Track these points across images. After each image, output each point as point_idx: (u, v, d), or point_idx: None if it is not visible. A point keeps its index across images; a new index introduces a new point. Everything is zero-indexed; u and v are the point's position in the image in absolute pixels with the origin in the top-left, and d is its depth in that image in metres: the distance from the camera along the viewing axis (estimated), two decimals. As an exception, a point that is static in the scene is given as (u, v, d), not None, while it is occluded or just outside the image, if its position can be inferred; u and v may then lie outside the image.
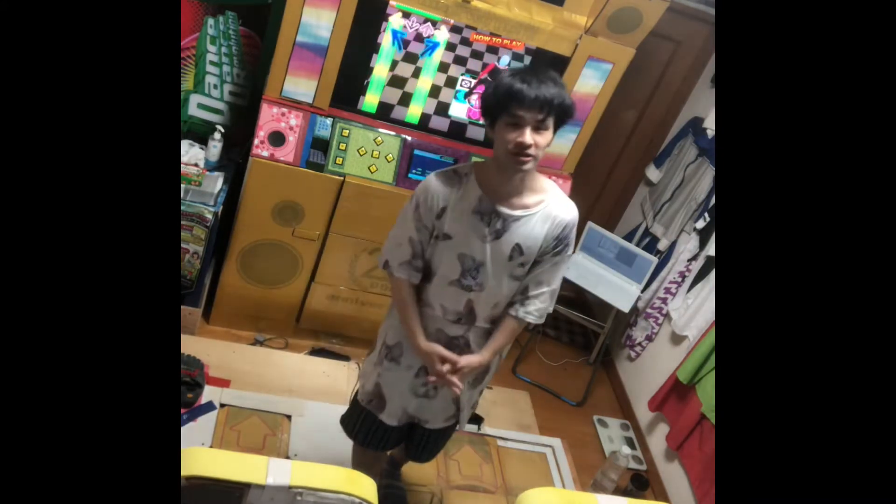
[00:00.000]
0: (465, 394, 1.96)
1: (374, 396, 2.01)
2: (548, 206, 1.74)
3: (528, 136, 1.59)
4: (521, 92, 1.55)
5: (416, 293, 1.85)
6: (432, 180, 1.75)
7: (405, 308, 1.85)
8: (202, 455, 1.48)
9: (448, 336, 1.86)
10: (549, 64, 2.61)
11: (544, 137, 1.61)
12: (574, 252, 1.79)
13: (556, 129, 1.64)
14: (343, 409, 2.76)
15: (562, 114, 1.61)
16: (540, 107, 1.56)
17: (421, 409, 2.00)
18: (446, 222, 1.73)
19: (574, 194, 2.89)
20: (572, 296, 3.54)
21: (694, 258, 2.98)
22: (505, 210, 1.71)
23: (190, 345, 2.77)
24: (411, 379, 1.94)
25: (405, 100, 2.65)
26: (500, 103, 1.59)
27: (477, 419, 2.93)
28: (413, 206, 1.77)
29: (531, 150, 1.60)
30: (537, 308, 1.82)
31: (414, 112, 2.68)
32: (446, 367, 1.82)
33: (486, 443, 2.85)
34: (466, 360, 1.84)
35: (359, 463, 2.24)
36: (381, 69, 2.56)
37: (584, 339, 3.74)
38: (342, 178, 2.62)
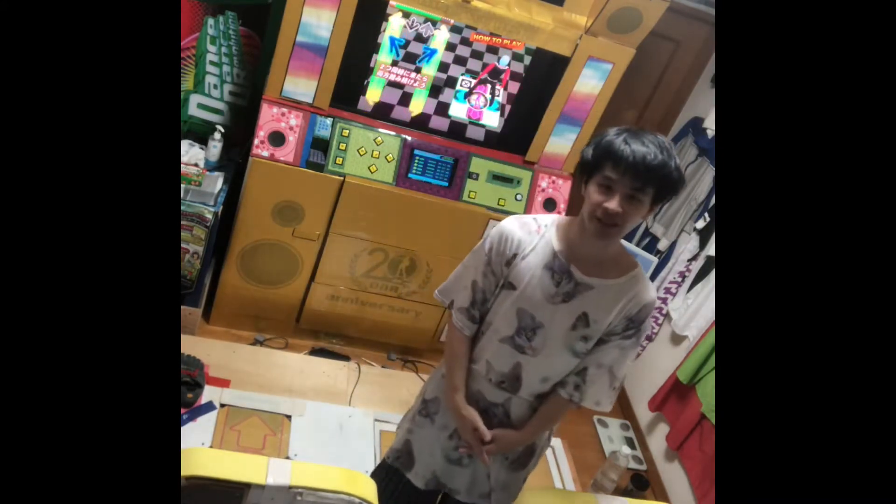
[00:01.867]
0: (500, 473, 1.76)
1: (402, 453, 1.83)
2: (629, 281, 1.53)
3: (617, 204, 1.39)
4: (622, 153, 1.37)
5: (470, 347, 1.67)
6: (510, 223, 1.57)
7: (453, 358, 1.67)
8: (202, 455, 1.48)
9: (487, 401, 1.66)
10: (549, 64, 2.62)
11: (637, 210, 1.41)
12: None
13: (654, 204, 1.42)
14: (343, 408, 2.78)
15: (663, 188, 1.40)
16: (637, 174, 1.37)
17: (450, 476, 1.78)
18: (513, 270, 1.55)
19: (574, 194, 2.90)
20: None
21: (694, 258, 2.99)
22: (579, 273, 1.51)
23: (190, 345, 2.77)
24: (444, 440, 1.74)
25: (405, 100, 2.65)
26: (596, 161, 1.42)
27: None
28: (486, 248, 1.59)
29: (618, 220, 1.41)
30: (595, 394, 1.58)
31: (414, 112, 2.68)
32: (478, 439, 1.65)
33: (486, 443, 2.85)
34: (502, 434, 1.65)
35: None
36: (381, 69, 2.56)
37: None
38: (342, 178, 2.62)
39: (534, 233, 1.56)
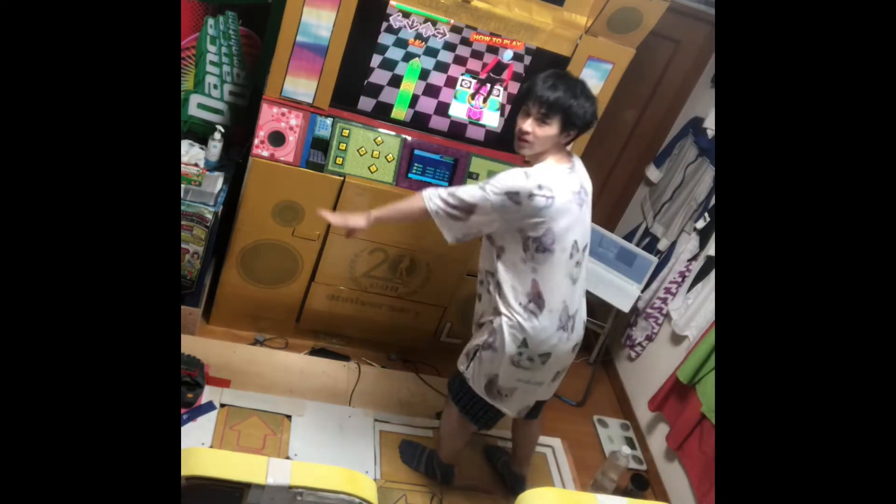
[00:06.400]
0: None
1: None
2: None
3: (528, 125, 2.00)
4: (536, 91, 1.98)
5: None
6: None
7: None
8: (202, 455, 1.49)
9: None
10: (549, 64, 2.62)
11: (543, 131, 1.99)
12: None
13: (563, 130, 2.00)
14: (343, 408, 2.79)
15: (566, 118, 1.98)
16: (541, 104, 1.97)
17: None
18: None
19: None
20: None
21: (694, 258, 2.99)
22: None
23: (190, 345, 2.77)
24: None
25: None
26: (522, 97, 2.06)
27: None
28: None
29: (528, 137, 2.01)
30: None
31: (404, 111, 2.68)
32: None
33: (486, 443, 2.85)
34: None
35: None
36: (381, 71, 2.56)
37: (584, 339, 3.73)
38: (342, 178, 2.62)
39: None
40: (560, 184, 2.01)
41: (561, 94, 1.95)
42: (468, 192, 2.02)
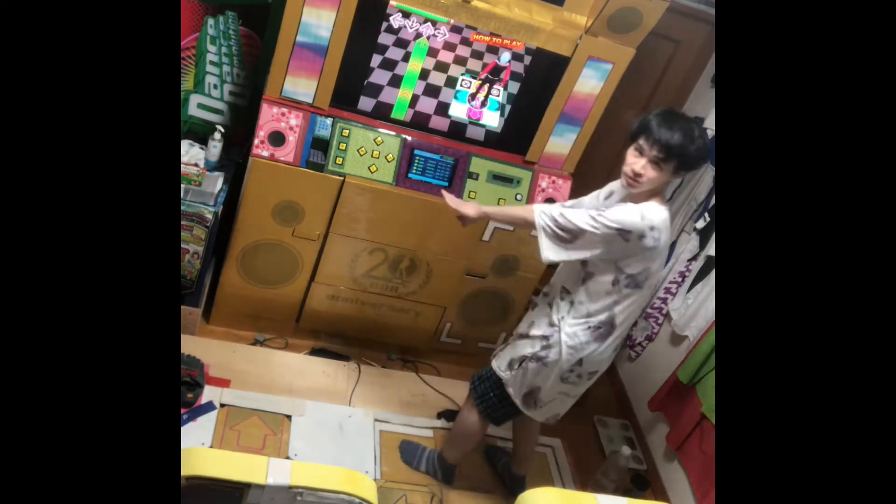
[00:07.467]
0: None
1: None
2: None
3: (641, 167, 1.90)
4: (652, 131, 1.87)
5: None
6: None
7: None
8: (202, 455, 1.49)
9: None
10: (549, 64, 2.62)
11: (657, 174, 1.90)
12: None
13: (676, 172, 1.92)
14: (343, 408, 2.79)
15: (682, 163, 1.89)
16: (660, 149, 1.86)
17: None
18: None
19: (574, 194, 2.90)
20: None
21: (694, 258, 2.99)
22: None
23: (190, 345, 2.77)
24: None
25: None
26: (636, 132, 1.93)
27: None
28: None
29: (641, 179, 1.91)
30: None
31: (406, 108, 2.68)
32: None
33: (486, 443, 2.85)
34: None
35: None
36: (382, 71, 2.56)
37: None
38: (342, 178, 2.62)
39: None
40: (667, 226, 1.98)
41: (679, 137, 1.86)
42: (579, 216, 1.96)
